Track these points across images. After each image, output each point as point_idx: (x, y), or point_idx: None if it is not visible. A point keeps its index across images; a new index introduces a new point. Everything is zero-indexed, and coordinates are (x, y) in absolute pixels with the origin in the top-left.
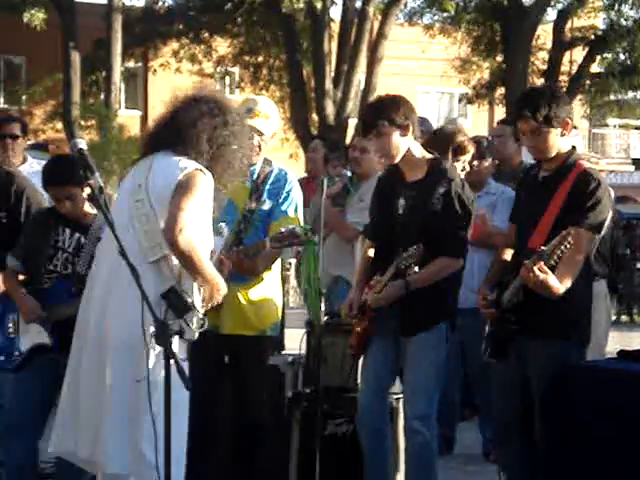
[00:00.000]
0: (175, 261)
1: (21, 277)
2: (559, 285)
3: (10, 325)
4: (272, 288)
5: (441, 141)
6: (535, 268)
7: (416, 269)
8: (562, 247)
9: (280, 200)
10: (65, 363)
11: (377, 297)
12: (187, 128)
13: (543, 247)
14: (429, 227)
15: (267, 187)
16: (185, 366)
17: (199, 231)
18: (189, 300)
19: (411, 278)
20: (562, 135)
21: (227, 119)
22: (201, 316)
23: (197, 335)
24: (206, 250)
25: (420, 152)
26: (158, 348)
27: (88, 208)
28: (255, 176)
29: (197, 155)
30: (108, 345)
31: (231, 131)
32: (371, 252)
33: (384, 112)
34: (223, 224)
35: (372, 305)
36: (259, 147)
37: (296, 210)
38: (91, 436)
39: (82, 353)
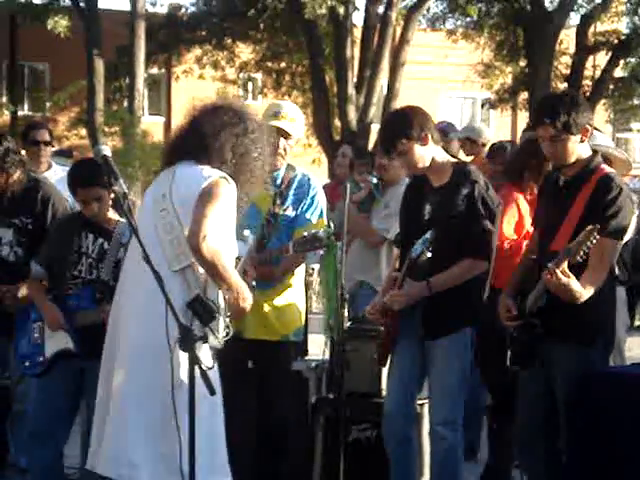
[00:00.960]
0: (200, 270)
1: (44, 283)
2: (582, 290)
3: (36, 331)
4: (295, 293)
5: None
6: (558, 271)
7: (429, 254)
8: (588, 243)
9: (304, 207)
10: (89, 369)
11: (395, 293)
12: (210, 138)
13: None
14: (453, 229)
15: (291, 192)
16: (213, 373)
17: (223, 239)
18: (214, 308)
19: (434, 280)
20: (581, 141)
21: (247, 127)
22: (227, 324)
23: (222, 343)
24: (230, 258)
25: (443, 157)
26: (183, 354)
27: (112, 214)
28: (279, 181)
29: (221, 164)
30: (133, 352)
31: (252, 139)
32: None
33: (400, 130)
34: (248, 231)
35: (389, 303)
36: (284, 150)
37: (321, 215)
38: (113, 450)
39: (112, 364)
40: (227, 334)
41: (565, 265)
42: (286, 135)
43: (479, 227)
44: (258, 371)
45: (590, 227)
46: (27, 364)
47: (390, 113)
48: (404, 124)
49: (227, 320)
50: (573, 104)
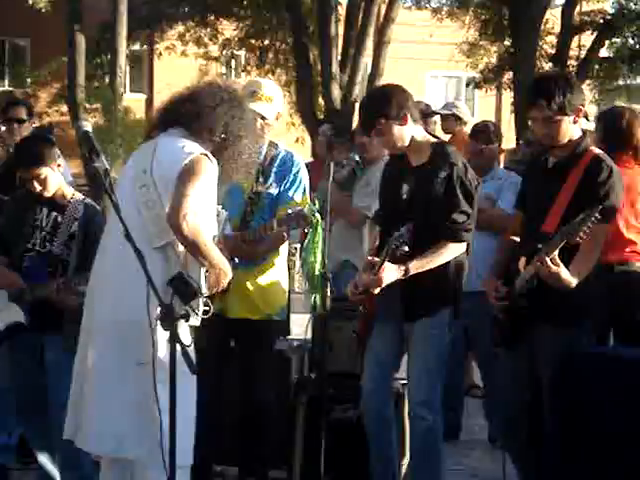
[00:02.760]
0: (181, 247)
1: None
2: (571, 278)
3: None
4: (279, 272)
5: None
6: (547, 260)
7: (405, 249)
8: (589, 223)
9: (287, 184)
10: (48, 344)
11: (373, 278)
12: (207, 108)
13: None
14: (430, 211)
15: (274, 170)
16: (190, 351)
17: (204, 216)
18: (195, 286)
19: (410, 263)
20: (574, 122)
21: (243, 114)
22: (206, 302)
23: (200, 321)
24: (211, 234)
25: (423, 136)
26: (163, 332)
27: (66, 188)
28: (261, 158)
29: (208, 134)
30: (113, 329)
31: (244, 124)
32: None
33: (378, 110)
34: (219, 207)
35: (368, 286)
36: (262, 129)
37: (304, 193)
38: (97, 427)
39: (90, 339)
40: (206, 312)
41: (557, 250)
42: (262, 117)
43: (457, 209)
44: (241, 350)
45: (591, 208)
46: None
47: (369, 92)
48: (383, 103)
49: (206, 298)
50: (568, 85)
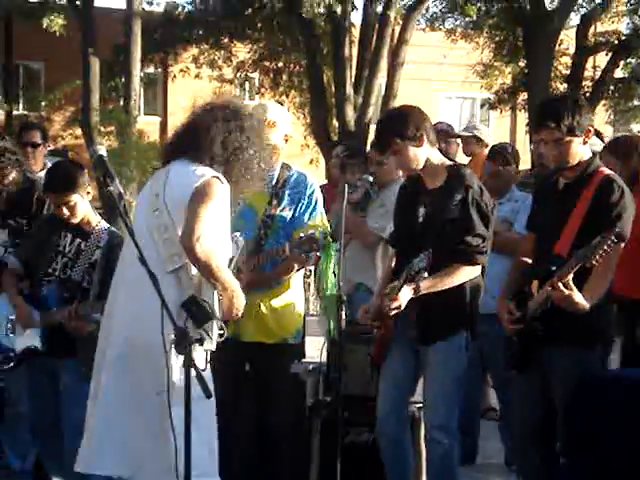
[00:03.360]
0: (194, 270)
1: (24, 282)
2: (585, 302)
3: (9, 324)
4: (294, 295)
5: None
6: (560, 284)
7: (425, 275)
8: (605, 247)
9: (302, 208)
10: (61, 370)
11: (389, 304)
12: (201, 133)
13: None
14: (446, 234)
15: (287, 192)
16: (206, 375)
17: (217, 239)
18: (208, 309)
19: (421, 282)
20: (584, 143)
21: (243, 124)
22: (221, 325)
23: (215, 345)
24: (225, 258)
25: (439, 159)
26: (178, 357)
27: (91, 215)
28: (274, 181)
29: (211, 159)
30: (128, 353)
31: (247, 136)
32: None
33: (394, 129)
34: (238, 233)
35: (384, 311)
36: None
37: (319, 215)
38: (112, 449)
39: (104, 367)
40: (221, 336)
41: (571, 274)
42: None
43: (472, 232)
44: (256, 374)
45: (607, 231)
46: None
47: (387, 111)
48: (399, 123)
49: (221, 322)
50: (576, 106)
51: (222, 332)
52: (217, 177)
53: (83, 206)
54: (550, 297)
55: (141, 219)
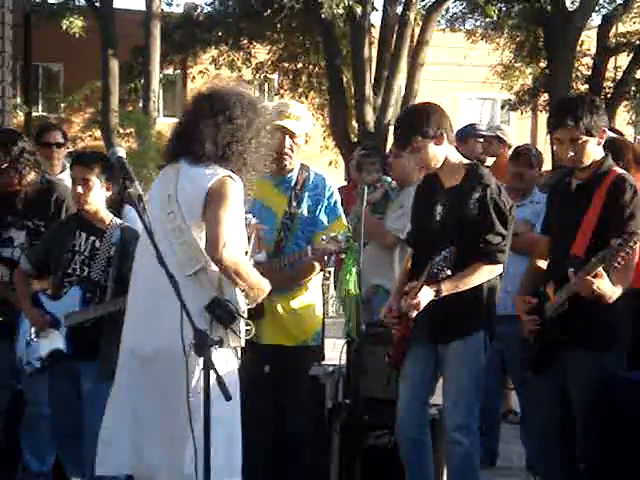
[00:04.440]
0: (213, 270)
1: (39, 285)
2: (615, 288)
3: (32, 331)
4: (313, 297)
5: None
6: (590, 277)
7: (448, 272)
8: (627, 249)
9: (322, 209)
10: (83, 372)
11: (409, 303)
12: (190, 133)
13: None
14: (464, 232)
15: (306, 194)
16: (230, 375)
17: (238, 240)
18: (233, 309)
19: (443, 284)
20: (598, 144)
21: (231, 114)
22: (247, 322)
23: (244, 342)
24: (244, 254)
25: (457, 158)
26: (198, 359)
27: (105, 213)
28: (293, 183)
29: (207, 158)
30: (149, 358)
31: (238, 125)
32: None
33: (415, 127)
34: (250, 215)
35: (405, 311)
36: (291, 149)
37: (339, 216)
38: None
39: (128, 371)
40: (248, 332)
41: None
42: (291, 134)
43: (492, 231)
44: (275, 376)
45: (629, 234)
46: (24, 363)
47: (408, 108)
48: (421, 121)
49: (247, 319)
50: (593, 106)
51: (249, 328)
52: (229, 176)
53: (98, 195)
54: (568, 297)
55: (155, 221)
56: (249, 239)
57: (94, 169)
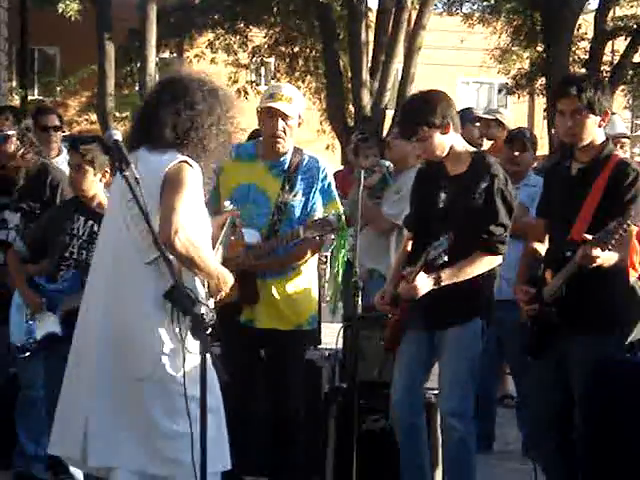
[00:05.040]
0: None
1: (35, 267)
2: (612, 255)
3: (28, 314)
4: (308, 280)
5: None
6: (594, 252)
7: (445, 258)
8: (621, 231)
9: (316, 192)
10: None
11: (407, 287)
12: (150, 119)
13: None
14: (468, 221)
15: (299, 177)
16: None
17: (195, 226)
18: (193, 296)
19: (442, 273)
20: (599, 125)
21: (192, 100)
22: (210, 309)
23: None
24: (206, 242)
25: (462, 146)
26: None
27: (103, 198)
28: (286, 166)
29: (166, 145)
30: (110, 346)
31: (198, 111)
32: (410, 245)
33: (421, 117)
34: (227, 202)
35: (403, 296)
36: (284, 131)
37: (334, 199)
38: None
39: (83, 352)
40: (212, 318)
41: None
42: (284, 116)
43: (496, 221)
44: (270, 360)
45: (620, 219)
46: (19, 346)
47: (413, 97)
48: (426, 111)
49: (211, 305)
50: (600, 84)
51: (212, 314)
52: (185, 161)
53: (94, 183)
54: (568, 275)
55: (116, 210)
56: (222, 226)
57: (89, 155)
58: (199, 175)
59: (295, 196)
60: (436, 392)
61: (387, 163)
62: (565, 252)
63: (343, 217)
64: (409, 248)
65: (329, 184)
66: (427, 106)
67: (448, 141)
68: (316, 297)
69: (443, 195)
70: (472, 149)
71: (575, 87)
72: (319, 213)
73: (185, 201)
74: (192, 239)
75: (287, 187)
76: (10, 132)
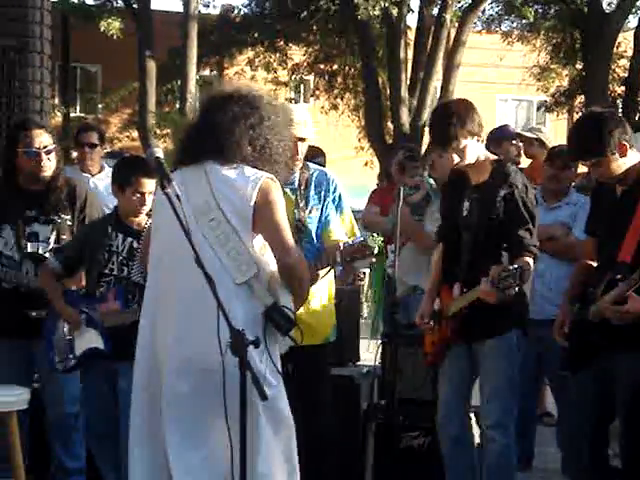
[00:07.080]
0: (267, 276)
1: (71, 281)
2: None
3: (65, 329)
4: (324, 291)
5: None
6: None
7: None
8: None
9: (329, 205)
10: (122, 371)
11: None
12: (225, 135)
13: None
14: (491, 229)
15: (311, 192)
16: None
17: None
18: (291, 315)
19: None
20: (621, 157)
21: (262, 114)
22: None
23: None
24: None
25: (484, 154)
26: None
27: (143, 217)
28: (296, 184)
29: (242, 161)
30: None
31: (268, 126)
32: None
33: (457, 125)
34: None
35: (447, 309)
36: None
37: (345, 210)
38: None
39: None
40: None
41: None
42: (303, 140)
43: (524, 226)
44: (299, 376)
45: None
46: (57, 362)
47: (442, 106)
48: (466, 118)
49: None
50: (596, 132)
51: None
52: (270, 178)
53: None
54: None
55: (176, 226)
56: None
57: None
58: (281, 189)
59: (310, 212)
60: (477, 408)
61: (431, 180)
62: (614, 274)
63: (379, 239)
64: (441, 263)
65: (340, 195)
66: (466, 113)
67: (480, 148)
68: (332, 305)
69: (466, 203)
70: (493, 157)
71: (577, 155)
72: (335, 224)
73: (283, 217)
74: (303, 257)
75: (301, 204)
76: (51, 147)
